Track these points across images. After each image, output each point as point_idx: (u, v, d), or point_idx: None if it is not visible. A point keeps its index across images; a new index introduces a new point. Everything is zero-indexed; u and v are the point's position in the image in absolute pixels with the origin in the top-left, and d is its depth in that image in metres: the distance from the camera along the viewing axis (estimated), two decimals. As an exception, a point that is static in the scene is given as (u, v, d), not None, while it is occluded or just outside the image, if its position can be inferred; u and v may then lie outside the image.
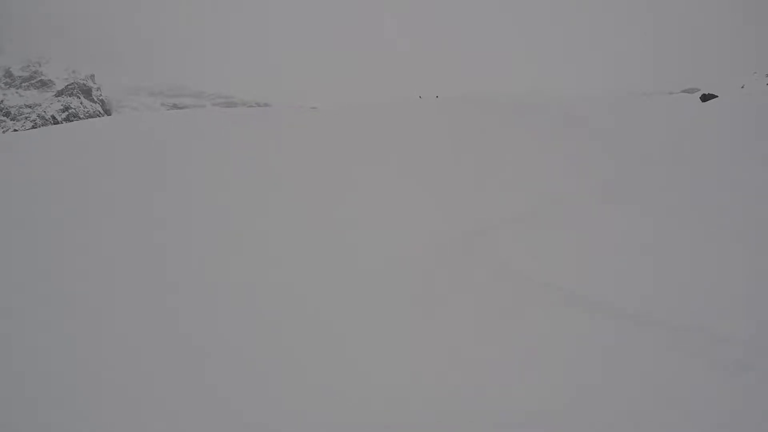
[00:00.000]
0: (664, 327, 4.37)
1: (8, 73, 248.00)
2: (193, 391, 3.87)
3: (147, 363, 4.17)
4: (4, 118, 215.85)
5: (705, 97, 15.50)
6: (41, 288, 5.34)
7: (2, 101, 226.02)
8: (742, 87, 18.48)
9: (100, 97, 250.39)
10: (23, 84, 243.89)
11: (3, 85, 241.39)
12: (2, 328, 4.60)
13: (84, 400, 3.72)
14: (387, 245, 6.87)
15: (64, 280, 5.57)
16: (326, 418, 3.60)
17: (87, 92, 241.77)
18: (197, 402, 3.74)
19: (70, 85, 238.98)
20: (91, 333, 4.58)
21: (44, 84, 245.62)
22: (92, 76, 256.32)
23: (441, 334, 4.77)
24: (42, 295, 5.20)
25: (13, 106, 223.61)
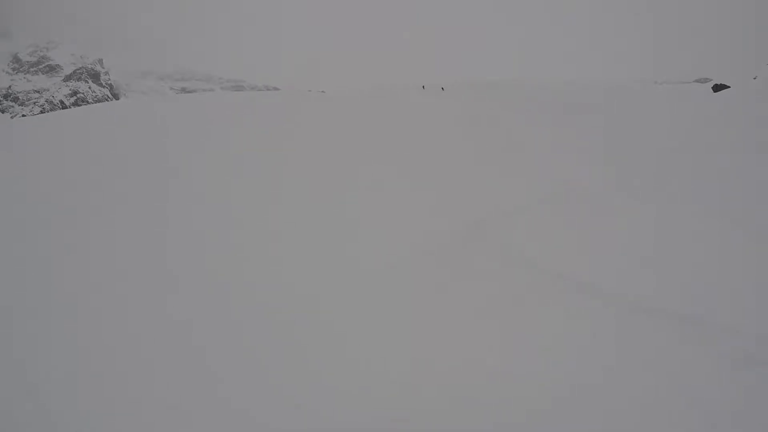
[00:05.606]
0: (673, 317, 4.35)
1: (16, 59, 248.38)
2: (196, 388, 3.85)
3: (149, 360, 4.14)
4: (12, 103, 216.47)
5: (717, 88, 15.30)
6: (43, 285, 5.28)
7: (10, 86, 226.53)
8: (755, 78, 18.20)
9: (109, 82, 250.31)
10: (31, 69, 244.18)
11: (11, 71, 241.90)
12: (3, 326, 4.57)
13: (86, 399, 3.70)
14: (396, 235, 6.83)
15: (66, 276, 5.52)
16: (331, 413, 3.58)
17: (95, 77, 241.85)
18: (200, 399, 3.72)
19: (78, 69, 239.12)
20: (94, 330, 4.56)
21: (52, 69, 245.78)
22: (101, 61, 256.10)
23: (451, 322, 4.75)
24: (44, 292, 5.15)
25: (21, 92, 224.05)
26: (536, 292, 5.14)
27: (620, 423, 3.28)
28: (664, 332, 4.19)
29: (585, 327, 4.45)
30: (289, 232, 6.98)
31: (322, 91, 26.55)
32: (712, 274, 5.01)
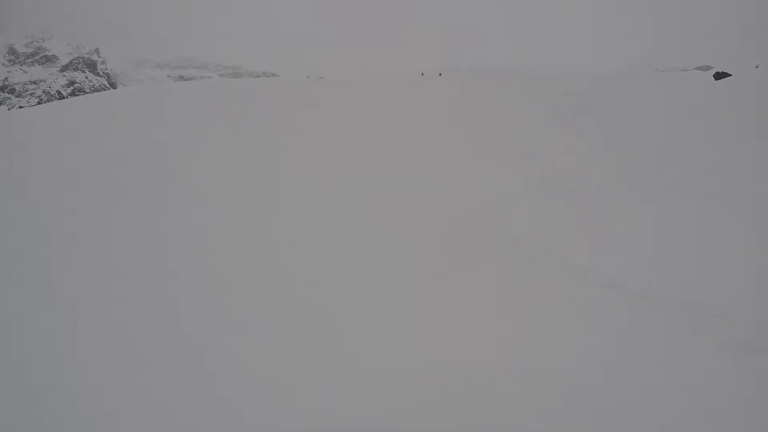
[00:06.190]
0: (673, 305, 4.37)
1: (12, 50, 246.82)
2: (196, 388, 3.81)
3: (148, 361, 4.10)
4: (9, 95, 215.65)
5: (718, 75, 15.21)
6: (43, 285, 5.22)
7: (7, 78, 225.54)
8: (757, 67, 18.05)
9: (106, 71, 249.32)
10: (27, 60, 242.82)
11: (7, 63, 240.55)
12: (3, 326, 4.51)
13: (86, 399, 3.67)
14: (397, 227, 6.80)
15: (66, 276, 5.46)
16: (332, 412, 3.55)
17: (92, 66, 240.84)
18: (200, 399, 3.68)
19: (74, 59, 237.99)
20: (94, 330, 4.50)
21: (48, 59, 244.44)
22: (97, 50, 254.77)
23: (452, 317, 4.74)
24: (44, 292, 5.08)
25: (17, 83, 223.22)
26: (536, 281, 5.15)
27: (621, 412, 3.29)
28: (664, 320, 4.21)
29: (586, 315, 4.47)
30: (288, 228, 6.93)
31: (321, 77, 26.41)
32: (712, 262, 5.02)
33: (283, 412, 3.55)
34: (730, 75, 14.89)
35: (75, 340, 4.37)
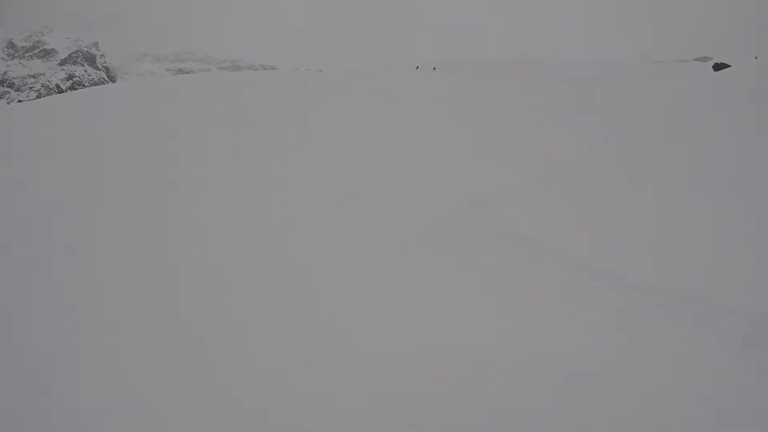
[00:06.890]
0: (672, 298, 4.39)
1: (11, 44, 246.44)
2: (196, 387, 3.79)
3: (149, 360, 4.08)
4: (8, 89, 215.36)
5: (717, 66, 15.17)
6: (43, 285, 5.19)
7: (6, 72, 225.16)
8: (756, 58, 17.97)
9: (105, 64, 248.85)
10: (26, 54, 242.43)
11: (6, 56, 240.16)
12: (3, 326, 4.48)
13: (86, 399, 3.66)
14: (397, 218, 6.79)
15: (66, 276, 5.44)
16: (333, 411, 3.55)
17: (91, 60, 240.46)
18: (200, 398, 3.65)
19: (73, 53, 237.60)
20: (94, 330, 4.48)
21: (47, 53, 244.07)
22: (96, 44, 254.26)
23: (451, 311, 4.74)
24: (44, 292, 5.06)
25: (16, 77, 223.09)
26: (536, 275, 5.16)
27: (621, 404, 3.30)
28: (664, 313, 4.22)
29: (585, 308, 4.48)
30: (288, 225, 6.87)
31: (320, 70, 26.34)
32: (713, 255, 5.03)
33: (285, 412, 3.54)
34: (729, 66, 14.84)
35: (75, 340, 4.33)
